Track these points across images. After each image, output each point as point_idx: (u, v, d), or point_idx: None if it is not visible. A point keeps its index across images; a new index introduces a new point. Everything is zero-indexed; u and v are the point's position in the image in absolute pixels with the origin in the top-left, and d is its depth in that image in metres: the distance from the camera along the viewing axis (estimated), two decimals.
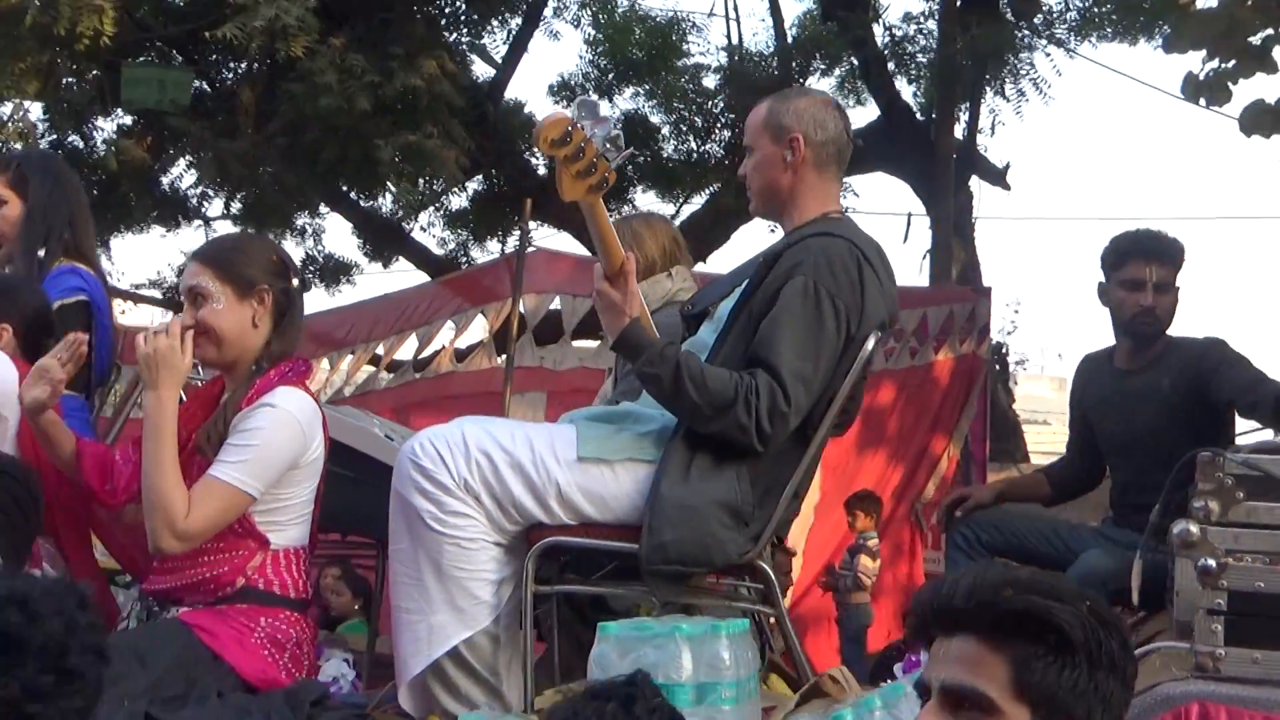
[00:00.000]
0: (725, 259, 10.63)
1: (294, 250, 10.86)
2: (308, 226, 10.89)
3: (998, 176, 9.49)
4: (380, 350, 7.63)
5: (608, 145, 2.58)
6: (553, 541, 2.65)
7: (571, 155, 2.54)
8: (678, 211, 10.86)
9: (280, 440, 2.66)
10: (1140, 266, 3.72)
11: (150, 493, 2.59)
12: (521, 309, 7.11)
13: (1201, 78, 6.92)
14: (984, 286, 8.70)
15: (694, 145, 10.06)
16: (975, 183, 9.62)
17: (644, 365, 2.65)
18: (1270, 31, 6.77)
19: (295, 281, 2.86)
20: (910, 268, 9.87)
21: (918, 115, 9.98)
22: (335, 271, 10.95)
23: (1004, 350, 10.36)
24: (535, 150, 10.28)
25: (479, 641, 2.63)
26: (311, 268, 10.99)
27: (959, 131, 9.64)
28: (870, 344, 2.74)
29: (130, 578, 3.15)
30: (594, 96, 2.66)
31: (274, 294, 2.77)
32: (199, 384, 3.18)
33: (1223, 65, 6.80)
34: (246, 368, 2.77)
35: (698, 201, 10.58)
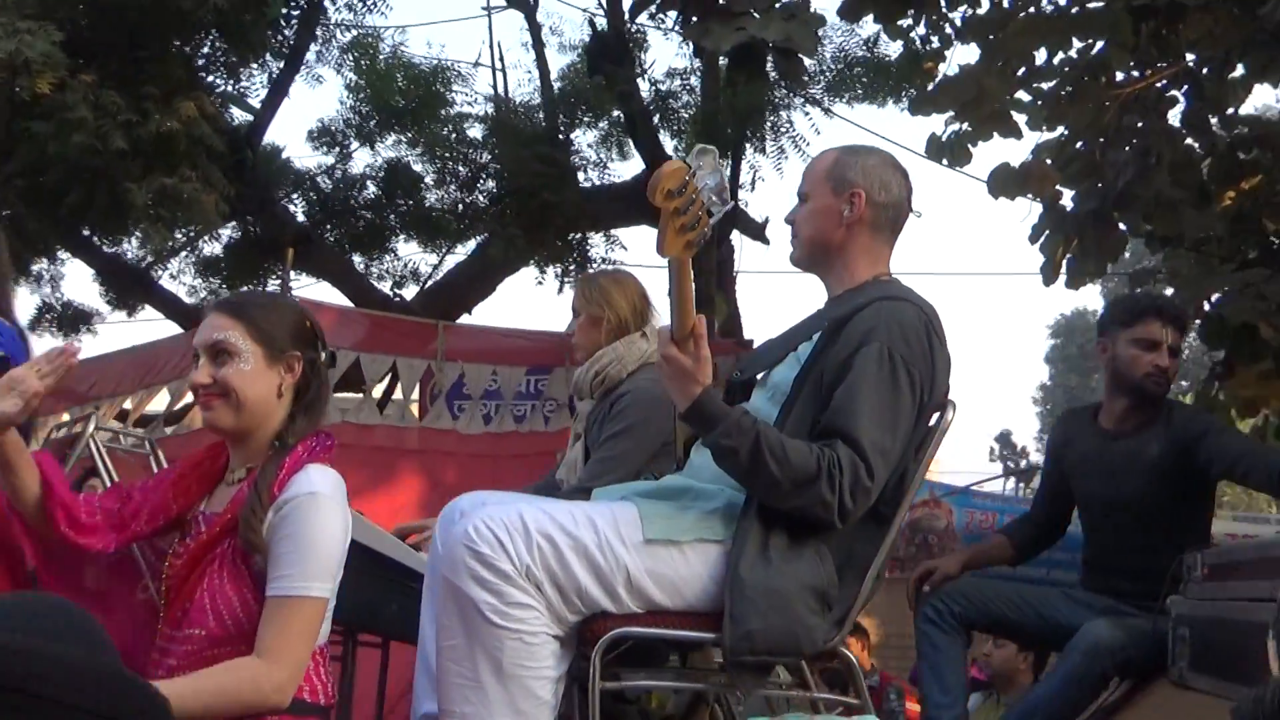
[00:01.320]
0: (491, 311, 10.58)
1: (29, 298, 10.31)
2: (45, 272, 10.31)
3: (758, 231, 9.72)
4: (128, 405, 7.23)
5: (713, 198, 2.40)
6: (623, 633, 2.44)
7: (682, 208, 2.35)
8: (441, 262, 10.74)
9: (332, 530, 2.34)
10: (1157, 327, 3.78)
11: (221, 704, 2.18)
12: None
13: (944, 139, 7.30)
14: (746, 339, 8.88)
15: (459, 195, 9.96)
16: (736, 237, 9.83)
17: (720, 437, 2.46)
18: (1009, 96, 7.21)
19: (324, 354, 2.56)
20: None
21: None
22: (74, 320, 10.37)
23: None
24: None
25: None
26: (49, 316, 10.40)
27: None
28: (950, 415, 2.66)
29: None
30: (710, 146, 2.53)
31: (302, 364, 2.50)
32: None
33: (964, 128, 7.19)
34: (265, 442, 2.47)
35: (463, 252, 10.48)
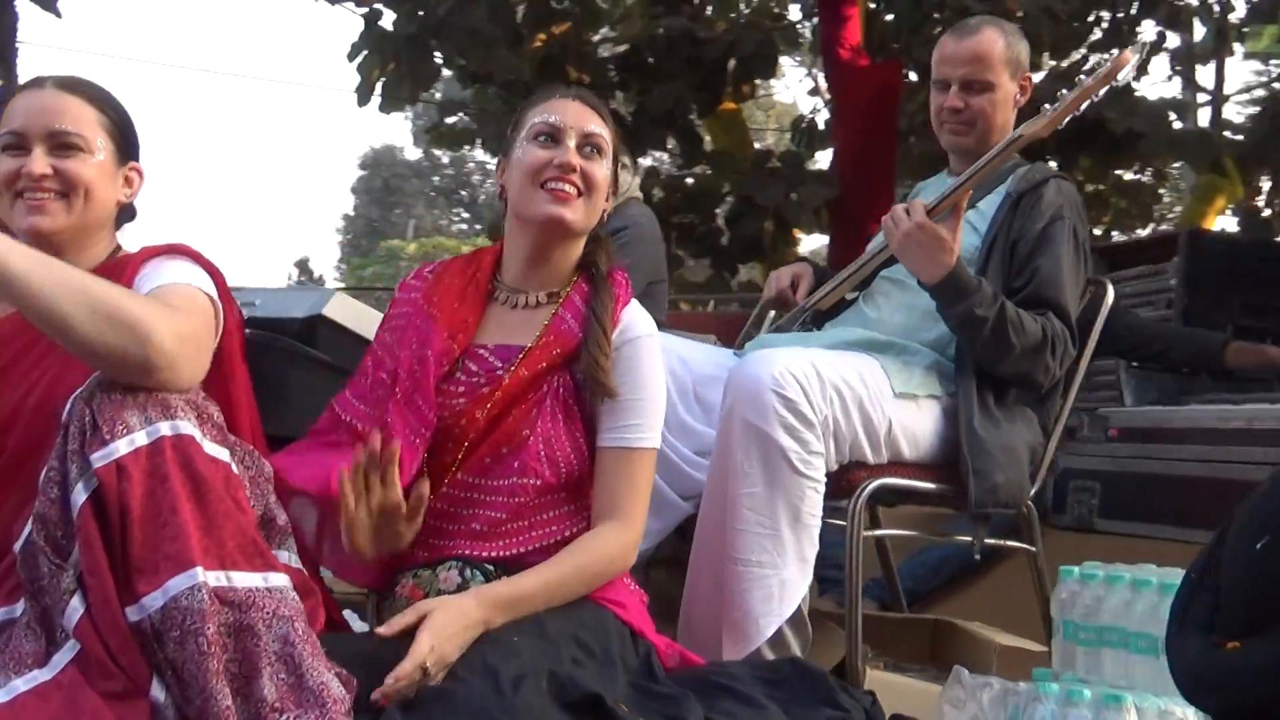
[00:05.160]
0: None
1: None
2: None
3: (48, 1, 8.67)
4: None
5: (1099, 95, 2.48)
6: (885, 484, 2.46)
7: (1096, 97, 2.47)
8: None
9: (664, 375, 2.11)
10: None
11: (587, 584, 1.94)
12: None
13: None
14: None
15: None
16: (22, 4, 8.72)
17: (974, 307, 2.45)
18: None
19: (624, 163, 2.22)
20: None
21: None
22: None
23: None
24: None
25: (806, 595, 2.35)
26: None
27: None
28: (1110, 296, 2.79)
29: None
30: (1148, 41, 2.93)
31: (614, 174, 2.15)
32: None
33: None
34: (569, 266, 2.09)
35: None
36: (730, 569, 2.29)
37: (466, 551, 1.93)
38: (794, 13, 9.52)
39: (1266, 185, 8.64)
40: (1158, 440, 3.69)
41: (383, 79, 7.90)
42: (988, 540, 2.64)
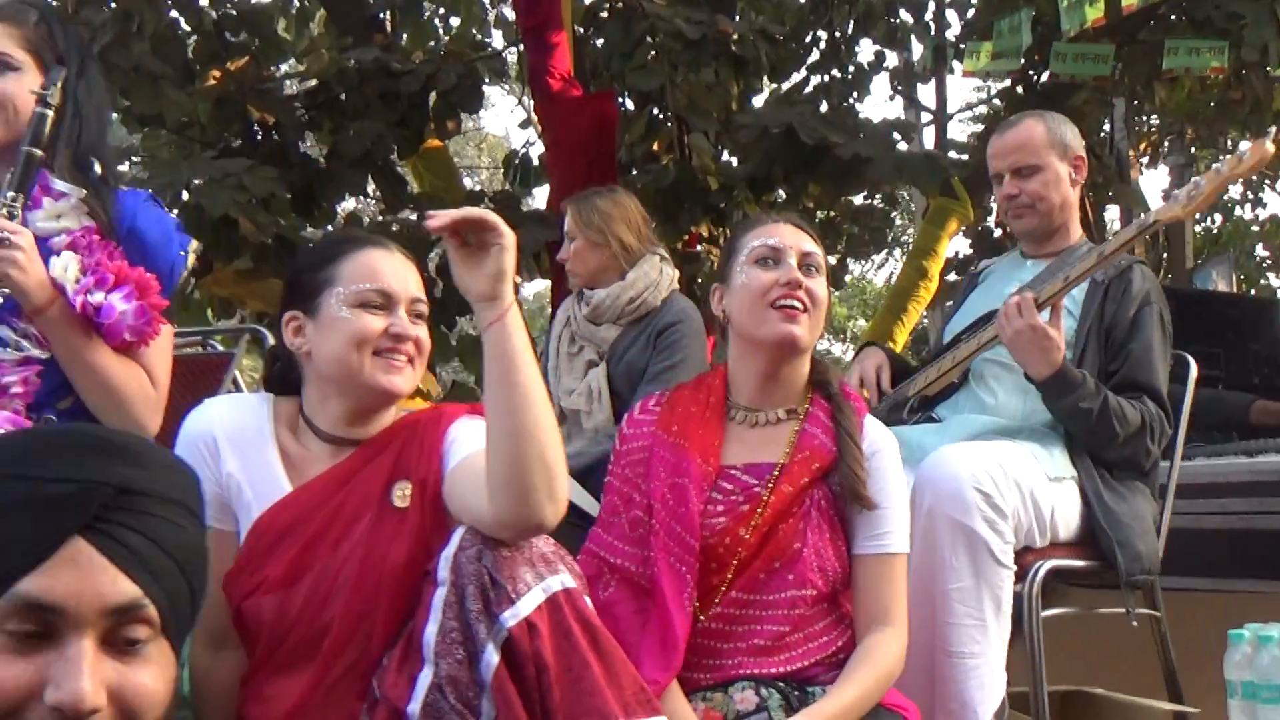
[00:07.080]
0: None
1: None
2: None
3: None
4: None
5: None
6: (1058, 565, 2.61)
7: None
8: None
9: (906, 485, 2.25)
10: None
11: (879, 694, 2.02)
12: None
13: None
14: None
15: None
16: None
17: (1079, 400, 2.62)
18: None
19: None
20: None
21: None
22: None
23: None
24: None
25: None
26: None
27: None
28: (1194, 370, 3.04)
29: None
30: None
31: None
32: None
33: None
34: (801, 382, 2.23)
35: None
36: (944, 661, 2.43)
37: (754, 670, 2.03)
38: (498, 40, 9.01)
39: (995, 204, 8.59)
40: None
41: None
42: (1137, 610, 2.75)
